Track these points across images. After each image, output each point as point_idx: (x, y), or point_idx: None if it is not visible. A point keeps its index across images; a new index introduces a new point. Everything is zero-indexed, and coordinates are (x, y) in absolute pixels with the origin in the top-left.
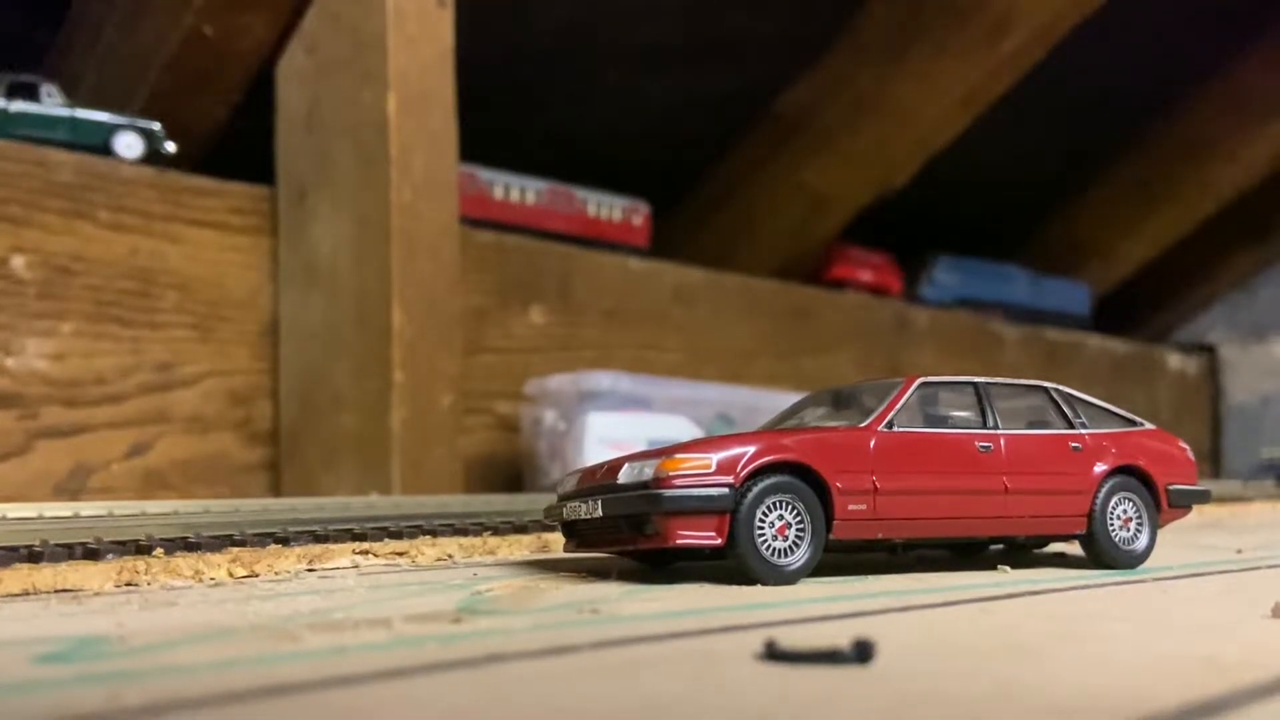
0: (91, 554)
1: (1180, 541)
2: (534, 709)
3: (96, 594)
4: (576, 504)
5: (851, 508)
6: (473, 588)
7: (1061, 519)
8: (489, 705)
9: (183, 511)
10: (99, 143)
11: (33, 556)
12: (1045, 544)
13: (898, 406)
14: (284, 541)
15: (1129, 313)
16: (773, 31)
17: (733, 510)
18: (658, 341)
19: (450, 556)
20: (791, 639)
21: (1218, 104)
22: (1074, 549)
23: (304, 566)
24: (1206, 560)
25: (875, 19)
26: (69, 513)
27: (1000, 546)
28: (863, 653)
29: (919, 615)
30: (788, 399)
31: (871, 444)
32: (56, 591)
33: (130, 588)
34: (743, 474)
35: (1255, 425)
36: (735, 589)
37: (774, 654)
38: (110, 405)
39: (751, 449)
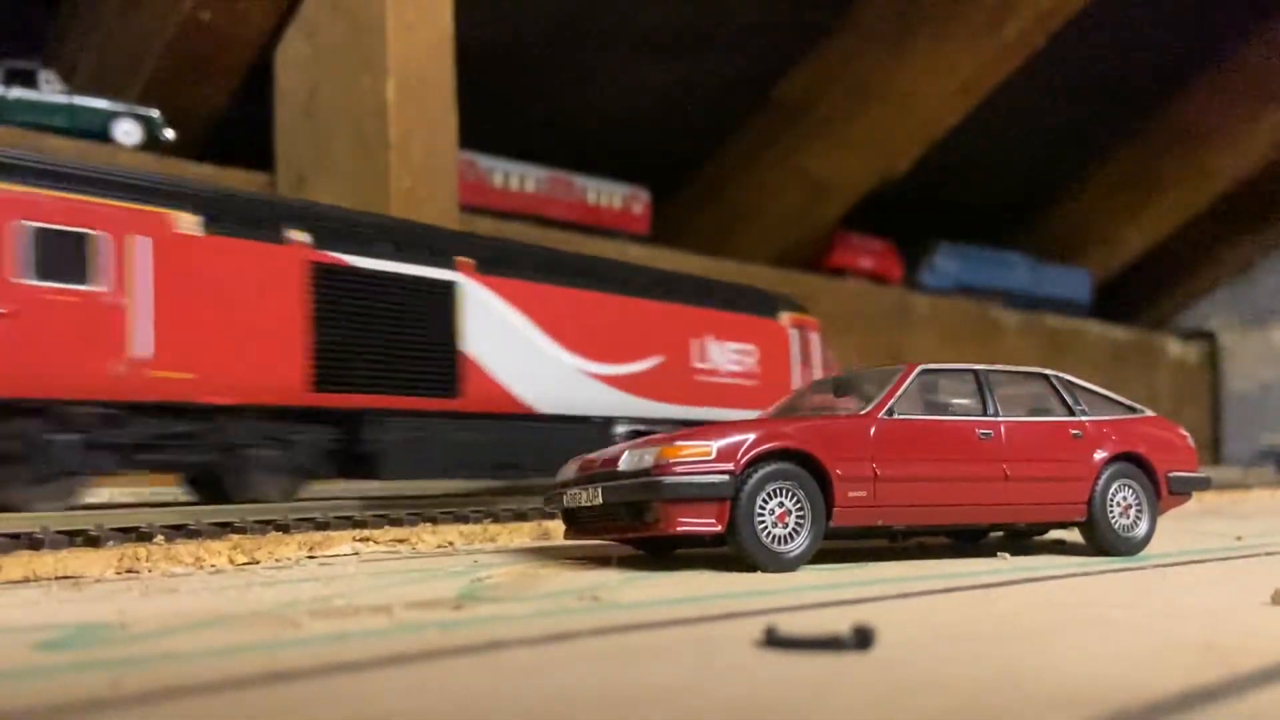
0: (92, 541)
1: (1180, 528)
2: (534, 695)
3: (97, 581)
4: (577, 491)
5: (851, 495)
6: (473, 575)
7: (1061, 506)
8: (490, 691)
9: (183, 498)
10: (98, 129)
11: (34, 543)
12: (1045, 531)
13: (898, 394)
14: (284, 529)
15: (1129, 299)
16: (773, 18)
17: (733, 497)
18: None
19: (451, 544)
20: (791, 626)
21: (1218, 92)
22: (1074, 536)
23: (305, 553)
24: (1206, 547)
25: (876, 5)
26: None
27: (1000, 533)
28: (863, 639)
29: (919, 602)
30: None
31: (871, 431)
32: (58, 578)
33: (131, 575)
34: (743, 461)
35: (1255, 412)
36: (735, 576)
37: (774, 640)
38: None
39: (751, 436)
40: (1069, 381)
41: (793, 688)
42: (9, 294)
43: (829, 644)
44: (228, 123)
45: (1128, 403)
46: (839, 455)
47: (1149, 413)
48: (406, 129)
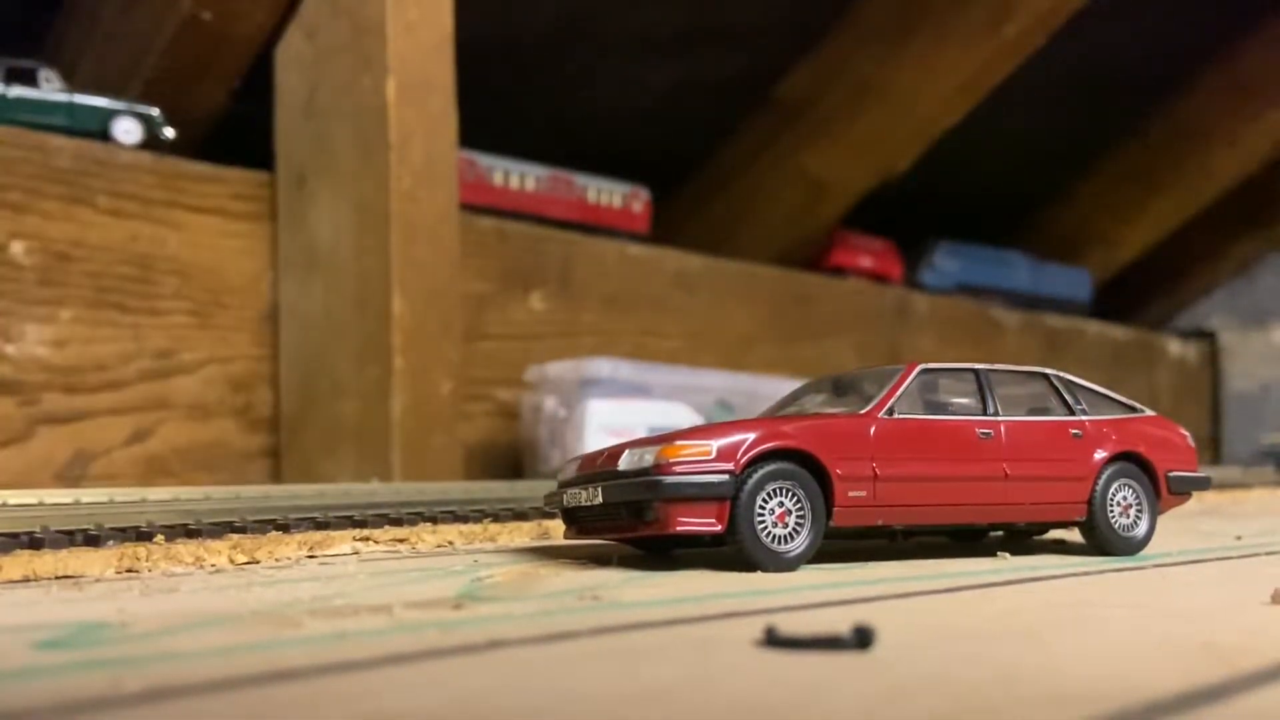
0: (92, 540)
1: (1180, 528)
2: (534, 695)
3: (97, 580)
4: (577, 491)
5: (852, 494)
6: (473, 574)
7: (1061, 505)
8: (489, 691)
9: (183, 498)
10: (97, 128)
11: (34, 543)
12: (1045, 531)
13: (898, 393)
14: (285, 528)
15: (1129, 299)
16: (773, 17)
17: (733, 497)
18: (658, 328)
19: (451, 543)
20: (791, 625)
21: (1218, 89)
22: (1074, 536)
23: (305, 553)
24: (1206, 547)
25: (876, 4)
26: (70, 499)
27: (1000, 533)
28: (863, 639)
29: (919, 601)
30: (788, 385)
31: (871, 431)
32: (57, 578)
33: (131, 574)
34: (743, 461)
35: (1255, 412)
36: (735, 575)
37: (774, 640)
38: (111, 392)
39: (752, 436)
40: (1069, 381)
41: (792, 687)
42: None
43: (829, 644)
44: (227, 122)
45: (1128, 402)
46: (839, 455)
47: (1149, 412)
48: (407, 128)
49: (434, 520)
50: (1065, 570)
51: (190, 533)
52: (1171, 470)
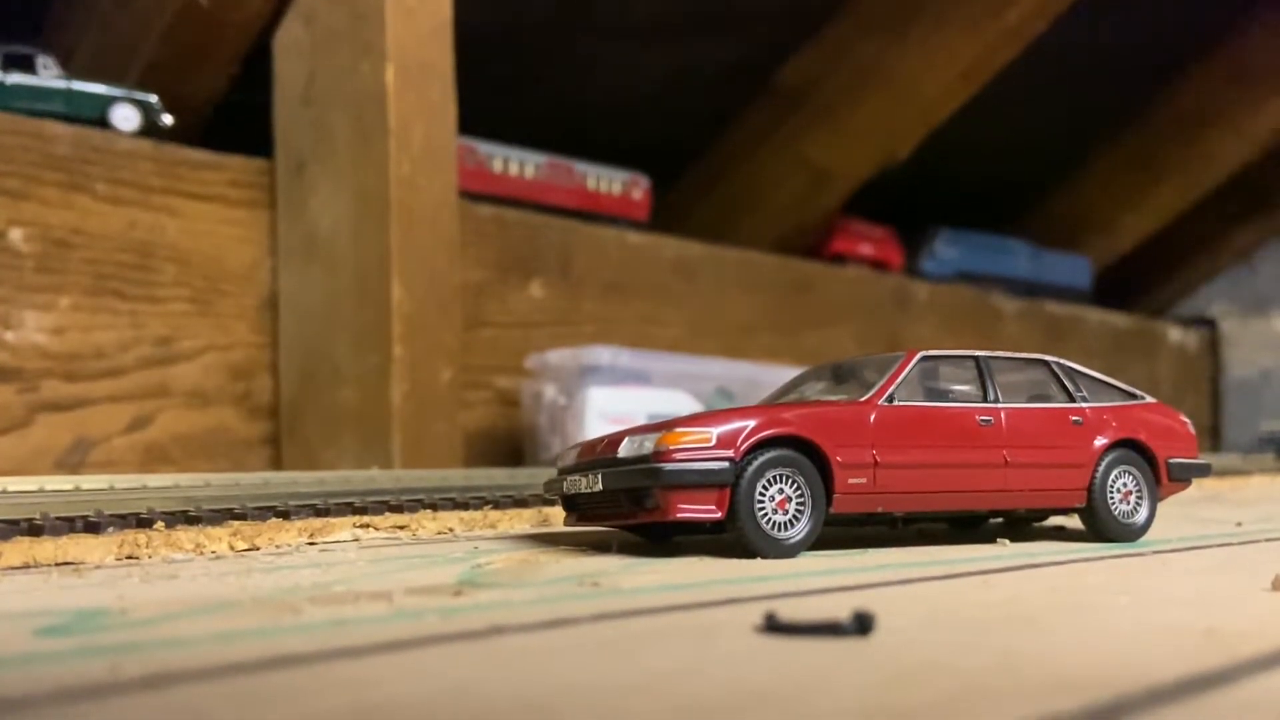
0: (92, 527)
1: (1180, 515)
2: (534, 681)
3: (97, 567)
4: (577, 478)
5: (851, 481)
6: (473, 561)
7: (1061, 492)
8: (489, 677)
9: (184, 485)
10: (96, 115)
11: (34, 530)
12: (1045, 517)
13: (898, 381)
14: (285, 515)
15: (1130, 286)
16: (773, 3)
17: (733, 484)
18: (658, 315)
19: (451, 530)
20: (791, 611)
21: (1220, 76)
22: (1074, 522)
23: (305, 540)
24: (1206, 533)
25: None
26: (70, 486)
27: (1000, 520)
28: (862, 625)
29: (919, 588)
30: (788, 373)
31: (872, 418)
32: (57, 564)
33: (131, 561)
34: (743, 448)
35: (1255, 399)
36: (735, 562)
37: (774, 626)
38: (110, 379)
39: (752, 423)
40: (1069, 367)
41: (792, 673)
42: None
43: (829, 630)
44: (226, 109)
45: (1128, 389)
46: (839, 442)
47: (1149, 399)
48: (406, 115)
49: (434, 507)
50: (1065, 557)
51: (190, 519)
52: (1172, 457)
